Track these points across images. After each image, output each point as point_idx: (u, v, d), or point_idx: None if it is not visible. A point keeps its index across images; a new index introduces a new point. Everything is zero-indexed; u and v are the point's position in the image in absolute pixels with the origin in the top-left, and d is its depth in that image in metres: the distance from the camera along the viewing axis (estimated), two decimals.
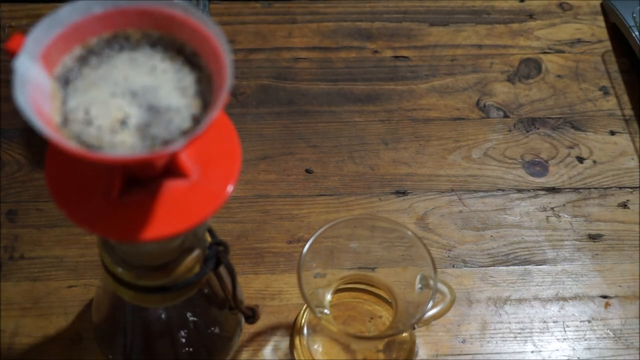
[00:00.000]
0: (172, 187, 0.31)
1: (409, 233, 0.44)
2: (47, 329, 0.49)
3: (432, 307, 0.45)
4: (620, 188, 0.58)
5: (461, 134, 0.60)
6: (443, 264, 0.53)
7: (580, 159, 0.59)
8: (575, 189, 0.58)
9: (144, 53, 0.30)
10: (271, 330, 0.50)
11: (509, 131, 0.61)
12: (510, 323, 0.51)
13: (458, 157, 0.59)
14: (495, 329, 0.51)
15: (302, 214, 0.55)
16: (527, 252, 0.54)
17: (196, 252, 0.36)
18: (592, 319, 0.52)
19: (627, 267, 0.54)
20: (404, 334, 0.49)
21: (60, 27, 0.28)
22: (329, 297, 0.48)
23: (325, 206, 0.56)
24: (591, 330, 0.51)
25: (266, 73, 0.63)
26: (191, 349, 0.44)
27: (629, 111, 0.62)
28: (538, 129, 0.61)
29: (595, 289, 0.53)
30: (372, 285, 0.49)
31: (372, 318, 0.49)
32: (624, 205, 0.57)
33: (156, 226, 0.30)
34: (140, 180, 0.30)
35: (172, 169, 0.31)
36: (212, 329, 0.45)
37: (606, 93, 0.63)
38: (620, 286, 0.53)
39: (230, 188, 0.31)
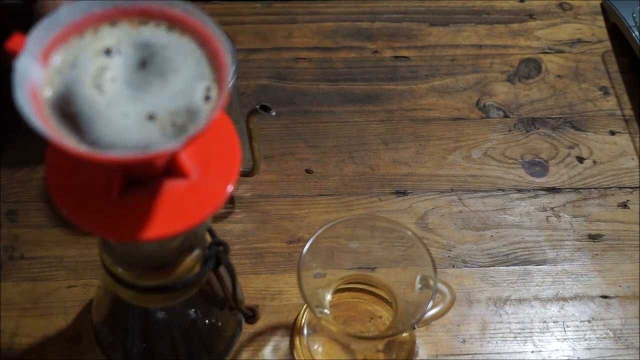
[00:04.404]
0: (172, 187, 0.31)
1: (409, 233, 0.44)
2: (47, 329, 0.49)
3: (432, 307, 0.45)
4: (620, 188, 0.58)
5: (461, 134, 0.60)
6: (443, 264, 0.53)
7: (580, 159, 0.59)
8: (575, 189, 0.58)
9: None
10: (271, 330, 0.50)
11: (509, 131, 0.61)
12: (510, 323, 0.51)
13: (458, 157, 0.59)
14: (495, 329, 0.51)
15: (302, 214, 0.55)
16: (527, 252, 0.54)
17: (196, 252, 0.36)
18: (592, 319, 0.52)
19: (627, 267, 0.54)
20: (404, 334, 0.49)
21: (60, 27, 0.28)
22: (329, 297, 0.48)
23: (325, 206, 0.56)
24: (591, 330, 0.51)
25: (266, 73, 0.63)
26: (191, 349, 0.44)
27: (629, 111, 0.62)
28: (538, 129, 0.61)
29: (595, 289, 0.53)
30: (372, 285, 0.49)
31: (372, 318, 0.49)
32: (624, 205, 0.57)
33: (156, 226, 0.30)
34: (140, 180, 0.30)
35: (172, 169, 0.31)
36: (212, 329, 0.45)
37: (606, 93, 0.63)
38: (620, 286, 0.53)
39: (230, 188, 0.31)
